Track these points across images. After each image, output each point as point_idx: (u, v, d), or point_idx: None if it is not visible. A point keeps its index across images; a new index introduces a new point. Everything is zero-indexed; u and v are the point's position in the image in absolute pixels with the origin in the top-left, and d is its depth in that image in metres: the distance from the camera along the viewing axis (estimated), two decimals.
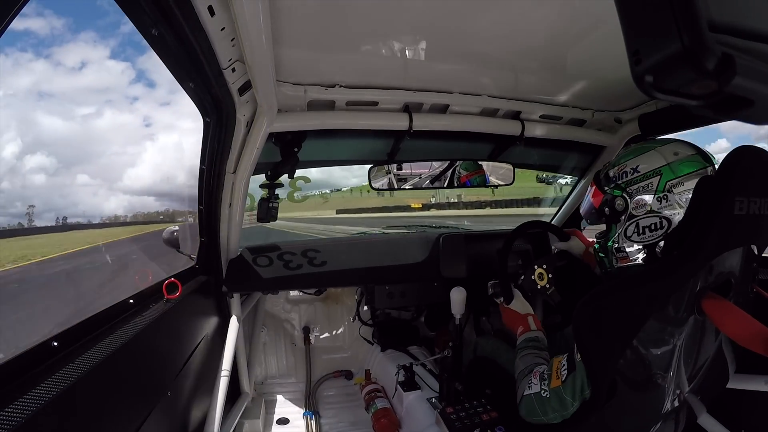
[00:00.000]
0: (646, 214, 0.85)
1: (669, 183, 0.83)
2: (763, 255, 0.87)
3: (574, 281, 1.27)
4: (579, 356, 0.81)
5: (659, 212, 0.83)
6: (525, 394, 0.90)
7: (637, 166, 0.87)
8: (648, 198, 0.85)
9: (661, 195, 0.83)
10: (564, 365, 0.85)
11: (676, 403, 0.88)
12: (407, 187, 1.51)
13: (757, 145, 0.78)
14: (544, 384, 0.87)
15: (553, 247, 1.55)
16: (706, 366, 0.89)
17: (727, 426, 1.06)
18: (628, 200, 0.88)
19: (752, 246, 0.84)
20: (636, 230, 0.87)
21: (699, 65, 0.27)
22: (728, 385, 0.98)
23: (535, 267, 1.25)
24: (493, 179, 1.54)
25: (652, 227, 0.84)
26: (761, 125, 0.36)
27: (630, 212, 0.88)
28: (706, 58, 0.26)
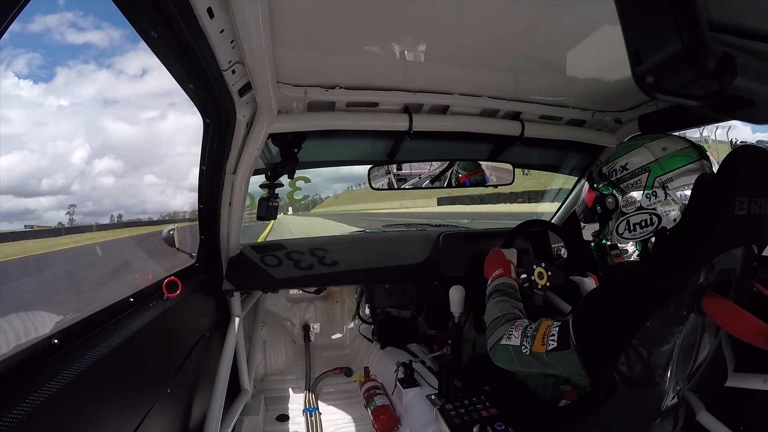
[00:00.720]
0: (635, 211, 0.85)
1: (658, 179, 0.82)
2: (763, 254, 0.87)
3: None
4: (576, 349, 0.79)
5: (649, 209, 0.83)
6: (503, 343, 0.89)
7: (626, 164, 0.87)
8: (637, 195, 0.85)
9: (650, 192, 0.83)
10: (554, 335, 0.82)
11: (675, 401, 0.88)
12: (407, 187, 1.52)
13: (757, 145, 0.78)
14: (526, 341, 0.85)
15: (559, 249, 1.55)
16: (705, 364, 0.89)
17: (725, 423, 1.07)
18: (619, 198, 0.88)
19: (752, 245, 0.85)
20: (627, 227, 0.87)
21: (700, 65, 0.27)
22: (727, 384, 0.98)
23: (537, 266, 1.24)
24: (493, 179, 1.55)
25: (643, 224, 0.84)
26: (761, 124, 0.36)
27: (620, 209, 0.88)
28: (707, 58, 0.26)
